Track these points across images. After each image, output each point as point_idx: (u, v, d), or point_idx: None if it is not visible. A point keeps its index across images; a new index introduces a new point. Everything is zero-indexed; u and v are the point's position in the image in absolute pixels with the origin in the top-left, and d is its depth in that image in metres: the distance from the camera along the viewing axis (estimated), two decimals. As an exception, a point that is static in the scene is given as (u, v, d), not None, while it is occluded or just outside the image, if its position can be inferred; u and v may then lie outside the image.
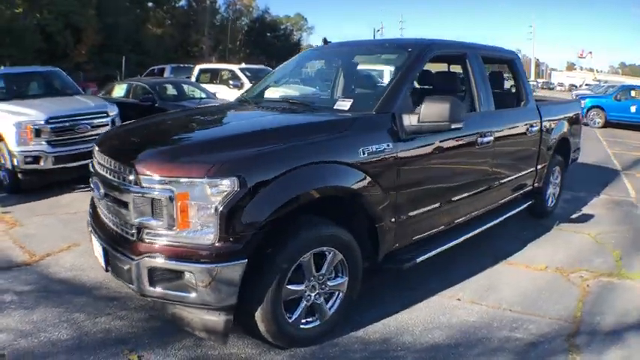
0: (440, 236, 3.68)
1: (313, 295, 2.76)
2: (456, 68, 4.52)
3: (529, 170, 4.79)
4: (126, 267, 2.50)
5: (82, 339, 2.83)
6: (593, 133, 14.90)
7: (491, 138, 3.89)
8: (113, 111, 7.08)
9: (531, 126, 4.61)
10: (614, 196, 6.75)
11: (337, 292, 2.90)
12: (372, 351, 2.84)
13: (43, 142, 6.20)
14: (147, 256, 2.42)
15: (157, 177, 2.39)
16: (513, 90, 5.07)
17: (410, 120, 3.08)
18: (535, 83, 48.80)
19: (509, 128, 4.30)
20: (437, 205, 3.52)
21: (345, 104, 3.30)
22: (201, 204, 2.32)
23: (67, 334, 2.87)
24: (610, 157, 10.29)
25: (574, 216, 5.69)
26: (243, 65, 15.74)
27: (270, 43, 54.95)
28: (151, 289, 2.45)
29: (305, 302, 2.73)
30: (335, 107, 3.33)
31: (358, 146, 2.82)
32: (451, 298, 3.54)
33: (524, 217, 5.35)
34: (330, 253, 2.76)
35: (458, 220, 3.84)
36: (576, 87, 43.48)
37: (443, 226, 3.68)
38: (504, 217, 4.41)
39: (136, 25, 39.64)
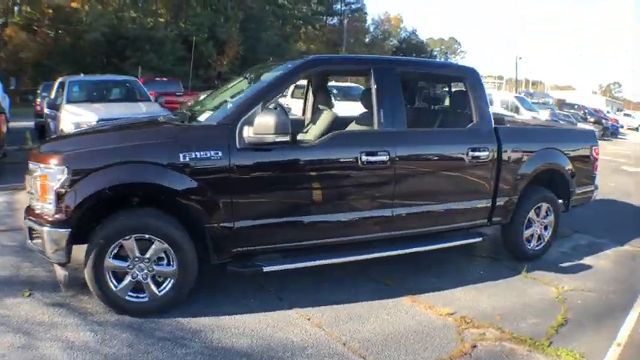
0: (319, 253, 3.97)
1: (140, 274, 3.42)
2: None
3: (476, 202, 4.53)
4: (24, 226, 3.56)
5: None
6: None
7: (385, 158, 3.89)
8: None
9: (475, 150, 4.37)
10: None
11: (168, 278, 3.49)
12: (180, 336, 3.29)
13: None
14: (28, 219, 3.46)
15: (32, 164, 3.48)
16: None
17: (248, 132, 3.43)
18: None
19: (429, 150, 4.22)
20: (289, 219, 3.75)
21: (204, 116, 3.85)
22: (49, 184, 3.28)
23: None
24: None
25: (565, 264, 5.14)
26: (333, 83, 16.51)
27: None
28: (29, 242, 3.51)
29: (130, 278, 3.41)
30: (198, 119, 3.88)
31: (179, 151, 3.37)
32: (302, 316, 3.69)
33: (502, 256, 5.14)
34: (155, 242, 3.38)
35: (332, 240, 3.97)
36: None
37: (307, 242, 3.89)
38: (417, 249, 4.32)
39: (281, 40, 43.40)
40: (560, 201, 5.28)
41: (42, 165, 3.37)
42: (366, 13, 59.80)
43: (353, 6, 57.02)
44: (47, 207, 3.30)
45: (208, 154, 3.41)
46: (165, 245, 3.40)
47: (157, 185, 3.37)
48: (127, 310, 3.45)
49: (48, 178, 3.28)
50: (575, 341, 3.56)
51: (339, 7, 55.83)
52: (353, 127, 4.67)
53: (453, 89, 5.30)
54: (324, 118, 5.14)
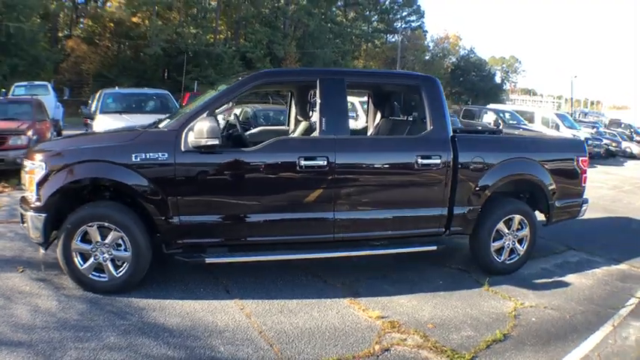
0: (265, 250, 4.55)
1: (101, 256, 4.12)
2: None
3: (428, 210, 4.80)
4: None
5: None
6: None
7: (323, 163, 4.35)
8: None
9: (425, 158, 4.65)
10: (637, 268, 5.83)
11: (125, 263, 4.15)
12: (125, 311, 3.95)
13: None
14: (20, 206, 4.26)
15: (25, 160, 4.33)
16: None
17: (191, 136, 4.05)
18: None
19: (372, 157, 4.60)
20: (230, 217, 4.31)
21: (164, 123, 4.49)
22: (33, 177, 4.11)
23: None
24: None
25: (540, 281, 5.21)
26: (365, 99, 16.84)
27: (474, 82, 58.64)
28: (22, 225, 4.31)
29: (93, 259, 4.14)
30: (159, 126, 4.50)
31: (131, 153, 4.06)
32: (237, 305, 4.20)
33: (472, 269, 5.31)
34: (112, 229, 4.07)
35: (274, 238, 4.50)
36: None
37: (250, 238, 4.44)
38: (362, 252, 4.75)
39: (338, 56, 44.63)
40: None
41: (30, 161, 4.20)
42: (425, 31, 61.02)
43: (412, 24, 58.19)
44: (31, 196, 4.12)
45: (156, 156, 4.06)
46: (122, 233, 4.10)
47: (111, 180, 4.09)
48: (90, 286, 4.17)
49: (34, 172, 4.09)
50: (505, 360, 3.57)
51: (399, 25, 56.82)
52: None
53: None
54: (301, 128, 5.64)
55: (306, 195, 4.44)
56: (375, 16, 56.13)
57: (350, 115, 14.64)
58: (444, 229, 4.93)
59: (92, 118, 10.67)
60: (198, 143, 4.00)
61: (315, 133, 4.54)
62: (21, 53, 26.25)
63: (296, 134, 5.87)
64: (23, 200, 4.26)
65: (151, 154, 4.06)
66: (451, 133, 4.83)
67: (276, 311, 4.12)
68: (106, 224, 4.07)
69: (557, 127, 19.00)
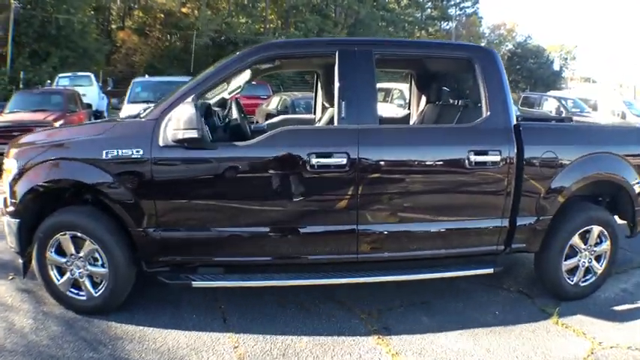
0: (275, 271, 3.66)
1: (78, 271, 3.49)
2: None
3: (482, 222, 3.72)
4: None
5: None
6: None
7: (342, 161, 3.35)
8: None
9: (480, 153, 3.56)
10: None
11: (103, 280, 3.47)
12: (98, 340, 3.33)
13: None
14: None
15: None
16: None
17: (170, 128, 3.20)
18: None
19: (407, 152, 3.57)
20: (223, 230, 3.43)
21: (147, 112, 3.66)
22: (8, 176, 3.51)
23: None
24: None
25: (620, 308, 4.01)
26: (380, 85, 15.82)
27: (531, 70, 56.16)
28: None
29: (69, 274, 3.50)
30: (140, 115, 3.69)
31: (102, 148, 3.29)
32: (231, 341, 3.33)
33: (536, 292, 4.21)
34: (87, 240, 3.41)
35: (280, 259, 3.57)
36: None
37: (249, 258, 3.56)
38: (390, 278, 3.70)
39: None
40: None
41: (6, 158, 3.59)
42: (481, 18, 59.29)
43: (467, 10, 56.34)
44: (5, 198, 3.55)
45: (130, 152, 3.27)
46: (95, 246, 3.40)
47: (75, 182, 3.39)
48: (68, 304, 3.57)
49: (8, 171, 3.54)
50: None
51: (453, 11, 54.95)
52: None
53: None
54: (328, 117, 4.68)
55: (320, 203, 3.47)
56: (429, 3, 54.28)
57: (400, 103, 13.64)
58: (503, 247, 3.82)
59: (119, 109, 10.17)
60: (175, 136, 3.15)
61: (335, 123, 3.54)
62: (71, 45, 26.34)
63: (322, 123, 4.89)
64: (4, 203, 3.67)
65: (123, 150, 3.28)
66: (514, 121, 3.70)
67: (277, 354, 3.21)
68: (79, 234, 3.40)
69: (623, 116, 17.32)
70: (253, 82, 22.22)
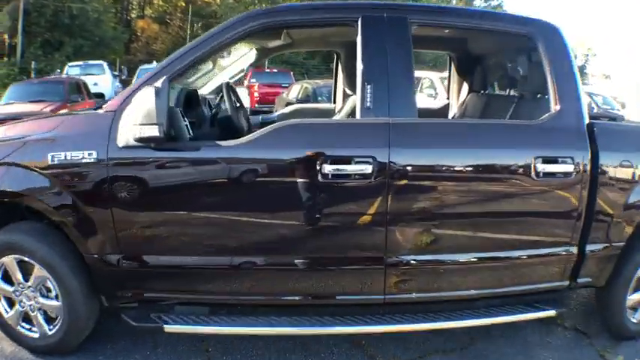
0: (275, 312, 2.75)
1: (28, 304, 2.77)
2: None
3: (546, 250, 2.81)
4: None
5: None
6: None
7: (367, 169, 2.43)
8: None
9: (549, 161, 2.65)
10: None
11: (59, 315, 2.74)
12: None
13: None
14: None
15: None
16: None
17: (129, 121, 2.38)
18: None
19: (454, 157, 2.63)
20: (204, 260, 2.59)
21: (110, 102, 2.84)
22: None
23: None
24: None
25: None
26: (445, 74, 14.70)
27: None
28: None
29: (19, 307, 2.79)
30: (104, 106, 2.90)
31: (49, 150, 2.51)
32: None
33: (594, 329, 3.31)
34: (36, 266, 2.65)
35: (279, 297, 2.70)
36: None
37: (241, 297, 2.71)
38: (425, 326, 2.74)
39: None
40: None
41: None
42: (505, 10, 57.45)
43: (492, 3, 54.22)
44: None
45: (80, 156, 2.45)
46: (46, 273, 2.63)
47: (20, 195, 2.61)
48: (19, 341, 2.86)
49: None
50: None
51: (477, 3, 53.35)
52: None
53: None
54: (349, 107, 3.79)
55: (335, 225, 2.56)
56: (453, -5, 52.87)
57: (430, 92, 12.63)
58: (567, 282, 2.92)
59: None
60: (133, 134, 2.30)
61: (357, 115, 2.61)
62: (86, 34, 25.90)
63: (342, 115, 3.98)
64: None
65: (73, 154, 2.45)
66: (587, 119, 2.77)
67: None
68: (26, 258, 2.63)
69: None
70: (274, 70, 21.60)
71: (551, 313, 2.91)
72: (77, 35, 25.38)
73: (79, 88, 10.89)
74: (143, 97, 2.20)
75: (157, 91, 2.19)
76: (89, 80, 13.53)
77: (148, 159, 2.42)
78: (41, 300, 2.72)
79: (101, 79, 16.44)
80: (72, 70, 17.12)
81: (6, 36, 24.65)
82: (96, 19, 26.73)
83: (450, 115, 4.45)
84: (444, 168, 2.58)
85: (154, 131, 2.20)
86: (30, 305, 2.74)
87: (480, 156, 2.62)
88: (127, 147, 2.37)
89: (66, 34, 25.00)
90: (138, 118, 2.22)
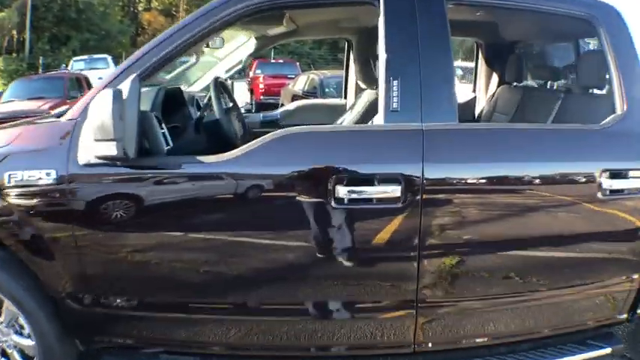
0: None
1: (3, 339, 2.43)
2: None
3: (607, 281, 2.33)
4: None
5: None
6: None
7: (395, 191, 1.92)
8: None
9: (617, 175, 2.14)
10: None
11: (35, 355, 2.38)
12: None
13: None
14: None
15: None
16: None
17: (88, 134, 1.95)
18: None
19: (503, 171, 2.09)
20: (188, 301, 2.14)
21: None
22: None
23: None
24: None
25: None
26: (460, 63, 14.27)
27: None
28: None
29: None
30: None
31: (3, 169, 2.07)
32: None
33: None
34: (5, 301, 2.31)
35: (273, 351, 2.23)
36: None
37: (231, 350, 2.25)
38: None
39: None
40: None
41: None
42: None
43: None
44: None
45: (36, 176, 2.01)
46: (15, 310, 2.26)
47: None
48: None
49: None
50: None
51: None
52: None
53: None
54: (362, 103, 3.29)
55: (353, 261, 2.06)
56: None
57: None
58: (625, 315, 2.43)
59: None
60: (93, 151, 1.85)
61: (379, 117, 2.09)
62: (92, 28, 25.78)
63: (353, 115, 3.42)
64: None
65: (29, 173, 2.01)
66: None
67: None
68: None
69: None
70: (280, 60, 21.04)
71: (607, 350, 2.43)
72: (84, 29, 25.32)
73: (80, 84, 10.56)
74: (98, 104, 1.72)
75: (116, 96, 1.70)
76: (94, 74, 13.26)
77: (115, 178, 1.98)
78: (14, 338, 2.37)
79: (106, 74, 16.18)
80: (77, 64, 17.03)
81: (14, 32, 24.73)
82: (102, 13, 26.80)
83: (477, 111, 3.97)
84: (493, 188, 2.08)
85: (111, 150, 1.72)
86: (6, 343, 2.40)
87: (540, 170, 2.10)
88: (89, 165, 1.92)
89: (73, 28, 24.94)
90: (94, 132, 1.75)
